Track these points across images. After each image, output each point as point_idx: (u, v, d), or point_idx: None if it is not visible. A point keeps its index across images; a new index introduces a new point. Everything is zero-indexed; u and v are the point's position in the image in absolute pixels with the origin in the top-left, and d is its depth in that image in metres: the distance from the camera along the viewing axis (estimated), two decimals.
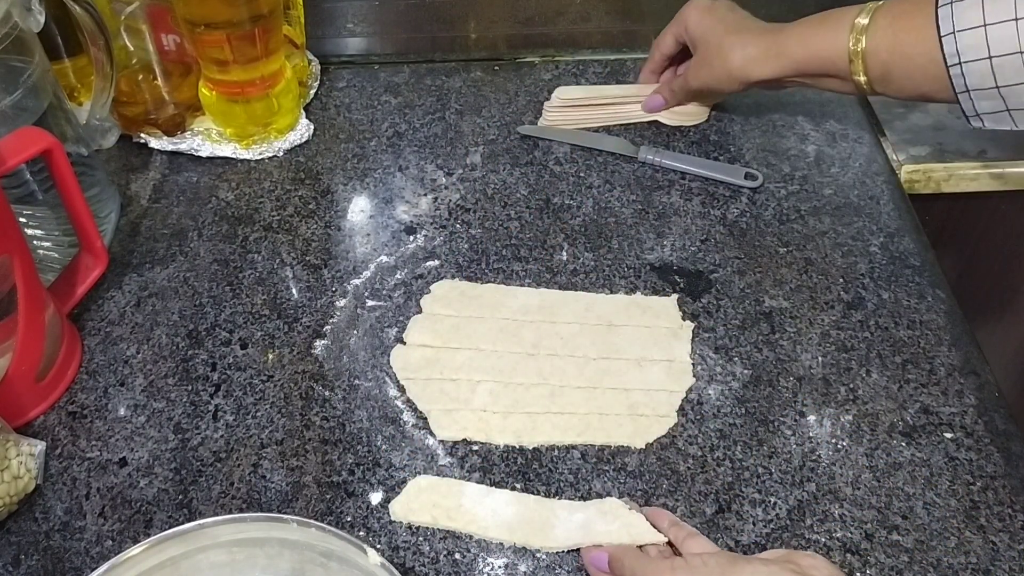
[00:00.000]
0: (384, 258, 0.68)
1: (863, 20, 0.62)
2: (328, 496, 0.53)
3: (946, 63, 0.57)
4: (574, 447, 0.55)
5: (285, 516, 0.44)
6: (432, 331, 0.61)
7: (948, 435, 0.56)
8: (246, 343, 0.62)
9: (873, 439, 0.55)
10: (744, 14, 0.72)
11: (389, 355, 0.60)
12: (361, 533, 0.51)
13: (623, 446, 0.55)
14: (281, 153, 0.77)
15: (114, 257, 0.66)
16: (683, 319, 0.62)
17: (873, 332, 0.62)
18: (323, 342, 0.62)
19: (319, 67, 0.86)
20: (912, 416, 0.57)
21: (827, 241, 0.68)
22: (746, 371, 0.59)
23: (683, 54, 0.77)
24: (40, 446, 0.54)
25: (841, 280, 0.65)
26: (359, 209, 0.72)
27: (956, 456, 0.54)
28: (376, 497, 0.53)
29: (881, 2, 0.63)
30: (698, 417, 0.57)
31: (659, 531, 0.49)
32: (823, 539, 0.51)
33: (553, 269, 0.66)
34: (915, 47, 0.59)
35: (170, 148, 0.77)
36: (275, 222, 0.71)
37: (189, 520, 0.46)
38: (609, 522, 0.50)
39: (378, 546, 0.50)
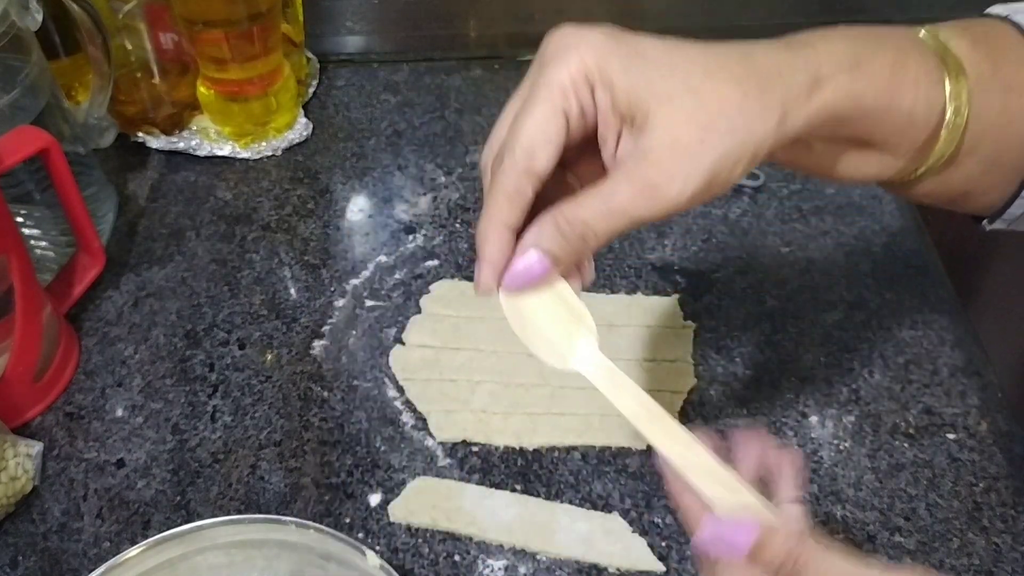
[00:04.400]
0: (383, 258, 0.67)
1: (959, 60, 0.36)
2: (327, 498, 0.53)
3: None
4: (575, 448, 0.55)
5: (283, 518, 0.43)
6: (431, 331, 0.61)
7: (951, 436, 0.55)
8: (244, 343, 0.61)
9: (875, 440, 0.55)
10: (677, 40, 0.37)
11: (388, 355, 0.60)
12: (360, 535, 0.51)
13: (624, 447, 0.55)
14: (279, 152, 0.77)
15: (111, 257, 0.66)
16: (684, 319, 0.62)
17: (875, 332, 0.61)
18: (322, 342, 0.61)
19: (318, 65, 0.86)
20: (915, 417, 0.56)
21: (829, 241, 0.68)
22: (748, 372, 0.59)
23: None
24: (37, 447, 0.53)
25: (843, 280, 0.65)
26: (358, 208, 0.72)
27: (959, 457, 0.54)
28: (375, 499, 0.53)
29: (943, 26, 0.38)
30: (700, 418, 0.56)
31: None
32: (825, 541, 0.50)
33: None
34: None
35: (168, 147, 0.76)
36: (273, 221, 0.71)
37: (187, 522, 0.45)
38: (611, 543, 0.50)
39: (377, 548, 0.50)
